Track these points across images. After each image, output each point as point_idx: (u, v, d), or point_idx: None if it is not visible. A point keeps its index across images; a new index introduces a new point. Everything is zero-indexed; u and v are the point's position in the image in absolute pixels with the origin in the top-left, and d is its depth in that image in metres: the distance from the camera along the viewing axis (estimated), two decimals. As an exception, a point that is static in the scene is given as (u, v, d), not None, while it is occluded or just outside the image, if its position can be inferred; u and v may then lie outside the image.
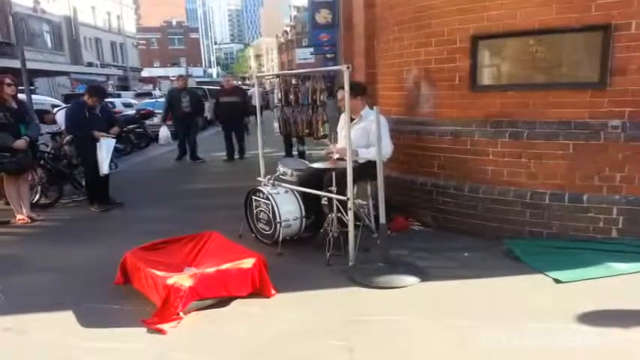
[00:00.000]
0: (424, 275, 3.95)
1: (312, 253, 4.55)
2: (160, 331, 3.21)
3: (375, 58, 5.81)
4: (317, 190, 4.64)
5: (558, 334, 3.05)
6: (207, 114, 13.82)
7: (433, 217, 5.11)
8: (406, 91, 5.30)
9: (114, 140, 6.69)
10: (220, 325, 3.35)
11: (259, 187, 4.91)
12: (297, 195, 4.79)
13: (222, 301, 3.58)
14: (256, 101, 5.10)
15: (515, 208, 4.55)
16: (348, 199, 4.14)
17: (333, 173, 4.35)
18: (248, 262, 3.65)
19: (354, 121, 4.68)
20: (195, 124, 10.95)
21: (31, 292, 3.95)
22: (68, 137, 7.19)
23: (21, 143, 5.85)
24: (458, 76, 4.75)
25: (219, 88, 14.26)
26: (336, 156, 4.65)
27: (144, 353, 3.02)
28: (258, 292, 3.68)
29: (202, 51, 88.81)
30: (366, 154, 4.57)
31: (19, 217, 6.09)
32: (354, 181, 4.32)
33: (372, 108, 4.64)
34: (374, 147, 4.26)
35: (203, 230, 4.50)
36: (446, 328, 3.18)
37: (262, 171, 5.22)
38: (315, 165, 4.64)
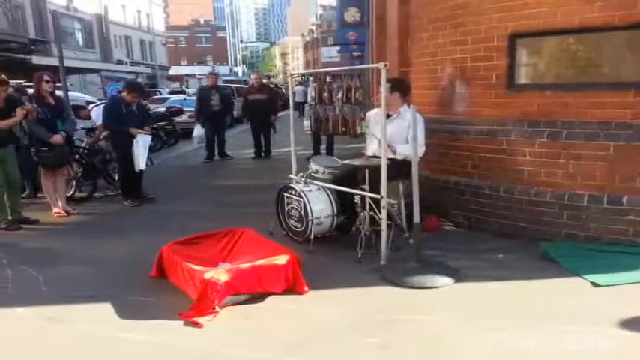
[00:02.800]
0: (458, 276, 3.91)
1: (343, 251, 4.55)
2: (197, 324, 3.26)
3: (408, 56, 5.77)
4: (350, 188, 4.64)
5: (596, 338, 2.98)
6: (235, 112, 13.89)
7: (466, 218, 5.05)
8: (440, 89, 5.26)
9: (150, 137, 6.80)
10: (256, 319, 3.38)
11: (291, 185, 4.93)
12: (330, 193, 4.79)
13: (256, 297, 3.61)
14: (290, 99, 5.10)
15: (552, 210, 4.46)
16: (382, 197, 4.13)
17: (367, 171, 4.34)
18: (282, 259, 3.67)
19: (392, 117, 4.66)
20: (224, 122, 10.98)
21: (69, 284, 4.05)
22: (105, 133, 7.33)
23: (58, 138, 5.99)
24: (494, 75, 4.69)
25: (246, 85, 14.37)
26: (369, 153, 4.63)
27: (181, 345, 3.07)
28: (291, 288, 3.70)
29: (229, 49, 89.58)
30: (404, 151, 4.52)
31: (55, 210, 6.24)
32: (387, 180, 4.31)
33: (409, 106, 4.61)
34: (409, 145, 4.24)
35: (233, 226, 4.54)
36: (481, 329, 3.14)
37: (294, 168, 5.23)
38: (348, 162, 4.63)
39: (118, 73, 32.90)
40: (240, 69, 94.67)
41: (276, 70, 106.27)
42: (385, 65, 3.84)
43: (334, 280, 3.96)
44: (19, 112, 5.52)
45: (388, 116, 4.75)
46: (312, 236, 4.59)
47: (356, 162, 4.56)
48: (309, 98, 4.77)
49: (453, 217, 5.18)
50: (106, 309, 3.56)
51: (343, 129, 4.62)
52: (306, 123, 4.99)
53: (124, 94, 6.72)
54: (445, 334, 3.11)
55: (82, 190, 7.25)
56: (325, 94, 4.58)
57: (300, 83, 23.38)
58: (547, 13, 4.26)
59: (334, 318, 3.36)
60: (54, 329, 3.34)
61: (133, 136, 6.46)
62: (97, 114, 8.38)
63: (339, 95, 4.52)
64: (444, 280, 3.84)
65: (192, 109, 11.93)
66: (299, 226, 4.80)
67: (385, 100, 4.01)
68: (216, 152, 10.80)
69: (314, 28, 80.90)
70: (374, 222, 4.44)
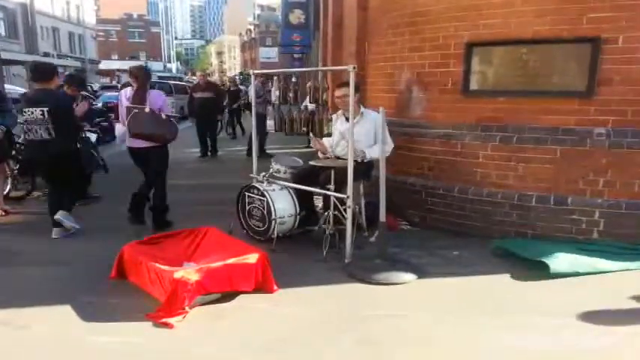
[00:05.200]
0: (420, 272, 4.06)
1: (306, 250, 4.60)
2: (167, 325, 3.18)
3: (365, 60, 5.91)
4: (310, 187, 4.69)
5: (563, 330, 3.19)
6: (172, 110, 13.44)
7: (421, 217, 5.24)
8: (397, 93, 5.42)
9: (95, 135, 6.51)
10: (227, 319, 3.34)
11: (253, 184, 4.91)
12: (292, 192, 4.82)
13: (226, 296, 3.57)
14: (252, 98, 5.06)
15: (502, 210, 4.73)
16: (347, 197, 4.21)
17: (332, 171, 4.41)
18: (252, 257, 3.66)
19: (355, 120, 4.74)
20: None
21: (22, 286, 3.83)
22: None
23: (-3, 132, 5.62)
24: (451, 81, 4.90)
25: (183, 83, 13.95)
26: (336, 154, 4.70)
27: (152, 347, 2.99)
28: (260, 287, 3.69)
29: (162, 45, 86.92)
30: (373, 154, 4.63)
31: (-8, 209, 5.84)
32: (346, 181, 4.40)
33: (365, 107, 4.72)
34: (377, 145, 4.36)
35: (190, 226, 4.47)
36: (450, 323, 3.29)
37: (255, 167, 5.21)
38: (313, 162, 4.68)
39: (44, 65, 31.05)
40: (174, 66, 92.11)
41: (212, 68, 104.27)
42: (354, 68, 3.92)
43: (301, 278, 3.99)
44: None
45: (347, 119, 4.86)
46: (275, 235, 4.60)
47: (321, 162, 4.61)
48: (272, 98, 4.76)
49: (409, 217, 5.35)
50: (66, 311, 3.40)
51: (304, 129, 4.66)
52: (270, 123, 4.98)
53: (65, 88, 6.35)
54: (417, 329, 3.23)
55: (19, 188, 6.81)
56: (290, 94, 4.61)
57: (241, 83, 23.12)
58: (502, 24, 4.51)
59: (306, 316, 3.39)
60: (11, 335, 3.14)
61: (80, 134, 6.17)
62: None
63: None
64: (408, 277, 3.97)
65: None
66: (261, 225, 4.79)
67: (352, 102, 4.09)
68: None
69: (252, 27, 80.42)
70: (337, 221, 4.52)
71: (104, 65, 54.70)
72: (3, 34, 31.52)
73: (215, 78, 59.87)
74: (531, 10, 4.38)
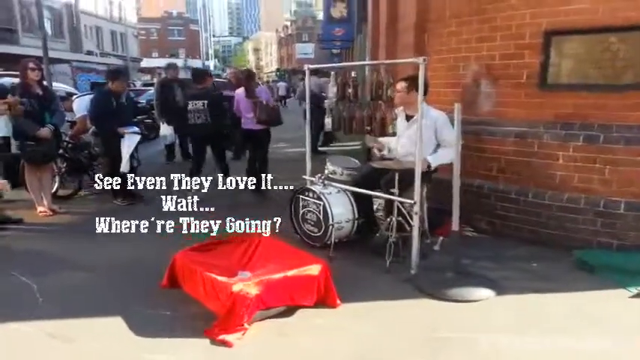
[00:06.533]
0: (497, 288, 3.66)
1: (366, 258, 4.28)
2: (226, 344, 2.91)
3: (424, 52, 5.49)
4: (370, 191, 4.34)
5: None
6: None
7: (489, 223, 4.81)
8: (463, 88, 5.00)
9: (138, 137, 6.31)
10: (289, 337, 3.05)
11: (308, 186, 4.60)
12: (350, 196, 4.48)
13: (286, 310, 3.28)
14: (306, 95, 4.72)
15: (585, 217, 4.26)
16: (415, 202, 3.84)
17: (396, 174, 4.04)
18: (314, 269, 3.35)
19: (413, 118, 4.36)
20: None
21: (70, 294, 3.64)
22: (93, 128, 6.82)
23: (46, 132, 5.51)
24: (525, 74, 4.45)
25: (225, 81, 13.62)
26: (380, 154, 4.37)
27: (212, 369, 2.72)
28: (322, 301, 3.38)
29: (201, 43, 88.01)
30: (440, 160, 4.26)
31: (40, 209, 5.74)
32: (410, 184, 4.04)
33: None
34: (447, 148, 4.00)
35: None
36: (537, 349, 2.91)
37: (308, 168, 4.89)
38: (376, 164, 4.32)
39: (88, 64, 31.74)
40: (212, 63, 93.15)
41: (249, 65, 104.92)
42: (424, 60, 3.55)
43: (364, 290, 3.67)
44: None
45: (408, 118, 4.48)
46: (332, 241, 4.28)
47: (384, 164, 4.25)
48: (330, 94, 4.43)
49: (474, 222, 4.93)
50: (116, 324, 3.17)
51: (368, 128, 4.30)
52: (328, 120, 4.66)
53: (109, 85, 6.18)
54: (499, 353, 2.85)
55: (66, 186, 6.72)
56: (350, 90, 4.25)
57: (279, 79, 23.00)
58: (588, 10, 4.05)
59: (373, 334, 3.07)
60: (58, 348, 2.94)
61: (121, 135, 6.00)
62: (78, 106, 7.79)
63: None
64: (485, 293, 3.58)
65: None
66: (316, 230, 4.48)
67: (420, 99, 3.72)
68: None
69: (288, 24, 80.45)
70: (399, 228, 4.16)
71: (145, 63, 55.67)
72: (50, 33, 32.32)
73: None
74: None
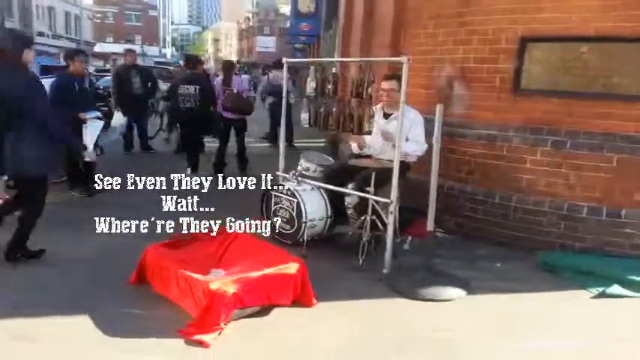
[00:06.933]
0: (468, 287, 3.73)
1: (337, 256, 4.27)
2: (202, 344, 2.83)
3: (399, 52, 5.52)
4: (338, 187, 4.32)
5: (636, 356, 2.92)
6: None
7: (458, 224, 4.90)
8: (436, 89, 5.05)
9: (101, 123, 5.99)
10: (265, 337, 3.01)
11: (281, 183, 4.54)
12: (323, 193, 4.46)
13: (262, 310, 3.22)
14: (284, 91, 4.62)
15: (549, 220, 4.40)
16: (391, 201, 3.85)
17: (373, 173, 4.04)
18: (292, 268, 3.31)
19: (392, 116, 4.37)
20: (146, 109, 9.51)
21: (33, 290, 3.45)
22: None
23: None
24: (499, 78, 4.55)
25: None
26: (377, 153, 4.36)
27: (187, 370, 2.64)
28: (298, 300, 3.35)
29: (159, 30, 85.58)
30: (405, 148, 4.23)
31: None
32: (384, 183, 4.06)
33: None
34: (412, 142, 4.05)
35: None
36: (506, 346, 3.01)
37: (282, 165, 4.82)
38: (353, 162, 4.31)
39: (39, 45, 30.28)
40: (169, 51, 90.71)
41: (208, 55, 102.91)
42: (409, 60, 3.56)
43: (339, 289, 3.66)
44: None
45: (386, 115, 4.49)
46: (304, 239, 4.24)
47: (361, 163, 4.25)
48: (308, 90, 4.37)
49: (443, 223, 4.99)
50: (84, 323, 3.04)
51: (351, 126, 4.27)
52: (304, 116, 4.60)
53: (70, 66, 5.87)
54: (474, 353, 2.91)
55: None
56: (329, 87, 4.21)
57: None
58: (562, 19, 4.16)
59: (349, 334, 3.08)
60: (21, 349, 2.78)
61: (84, 121, 5.71)
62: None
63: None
64: (457, 293, 3.65)
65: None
66: (288, 227, 4.44)
67: (403, 97, 3.73)
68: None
69: (250, 15, 79.32)
70: (373, 227, 4.17)
71: (99, 48, 53.58)
72: (-3, 11, 30.64)
73: (210, 66, 58.83)
74: (596, 4, 4.02)
